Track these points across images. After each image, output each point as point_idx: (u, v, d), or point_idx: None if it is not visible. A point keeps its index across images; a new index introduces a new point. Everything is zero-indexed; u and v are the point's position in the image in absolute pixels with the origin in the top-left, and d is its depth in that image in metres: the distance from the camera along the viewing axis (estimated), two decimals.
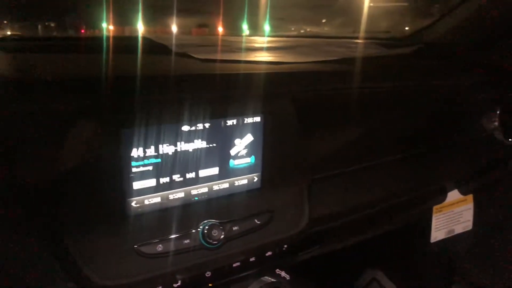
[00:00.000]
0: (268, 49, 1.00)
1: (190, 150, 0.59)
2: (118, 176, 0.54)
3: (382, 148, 0.86)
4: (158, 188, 0.58)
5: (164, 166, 0.58)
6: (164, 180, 0.58)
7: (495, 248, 1.29)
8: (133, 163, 0.55)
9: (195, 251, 0.58)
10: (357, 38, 1.33)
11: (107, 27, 0.88)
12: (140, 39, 0.88)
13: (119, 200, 0.55)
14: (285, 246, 0.71)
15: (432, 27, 1.12)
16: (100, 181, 0.53)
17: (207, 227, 0.59)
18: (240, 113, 0.61)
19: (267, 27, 1.35)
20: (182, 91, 0.58)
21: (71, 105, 0.50)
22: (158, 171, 0.57)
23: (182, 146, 0.58)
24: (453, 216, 1.08)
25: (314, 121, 0.71)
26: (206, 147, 0.60)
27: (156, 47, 0.83)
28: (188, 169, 0.60)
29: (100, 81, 0.53)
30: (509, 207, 1.27)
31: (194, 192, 0.61)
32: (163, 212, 0.59)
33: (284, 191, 0.68)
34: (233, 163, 0.63)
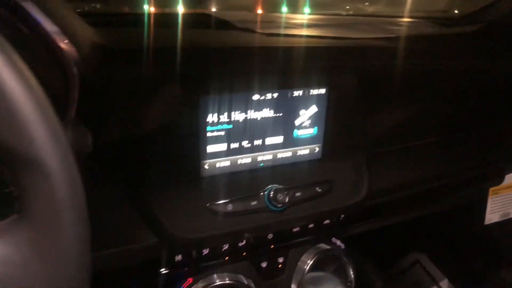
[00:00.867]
0: (326, 25, 1.01)
1: (259, 118, 0.62)
2: (195, 139, 0.59)
3: (441, 126, 0.86)
4: (228, 152, 0.62)
5: (235, 132, 0.62)
6: (234, 145, 0.62)
7: None
8: (208, 128, 0.59)
9: (261, 213, 0.62)
10: (414, 17, 1.30)
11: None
12: (205, 16, 0.92)
13: (194, 162, 0.60)
14: (342, 216, 0.74)
15: (496, 5, 1.08)
16: (178, 143, 0.58)
17: (272, 191, 0.62)
18: (306, 85, 0.64)
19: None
20: (253, 63, 0.61)
21: (157, 71, 0.54)
22: (229, 137, 0.61)
23: (252, 114, 0.62)
24: (509, 199, 1.06)
25: (376, 96, 0.72)
26: (273, 116, 0.63)
27: (220, 22, 0.86)
28: (256, 136, 0.64)
29: (181, 51, 0.57)
30: None
31: (260, 158, 0.65)
32: (231, 176, 0.63)
33: (344, 163, 0.71)
34: (297, 133, 0.66)
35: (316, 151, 0.69)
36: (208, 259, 0.65)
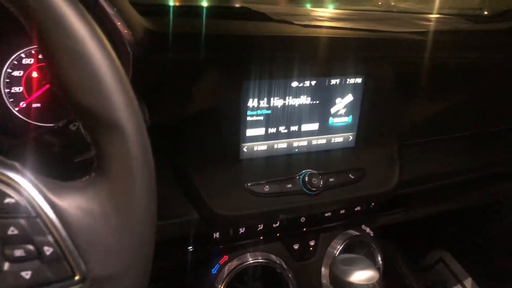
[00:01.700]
0: (358, 20, 1.02)
1: (296, 105, 0.65)
2: (235, 123, 0.62)
3: (472, 120, 0.86)
4: (265, 137, 0.65)
5: (273, 117, 0.64)
6: (271, 130, 0.65)
7: None
8: (248, 112, 0.62)
9: (295, 195, 0.64)
10: (445, 14, 1.30)
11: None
12: (242, 8, 0.94)
13: (234, 144, 0.63)
14: (373, 203, 0.76)
15: None
16: (220, 126, 0.61)
17: (307, 175, 0.65)
18: (343, 74, 0.66)
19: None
20: (293, 51, 0.63)
21: (204, 57, 0.57)
22: (267, 122, 0.64)
23: (290, 101, 0.64)
24: None
25: (410, 88, 0.74)
26: (310, 104, 0.66)
27: (257, 15, 0.89)
28: (292, 122, 0.66)
29: (226, 39, 0.60)
30: None
31: (295, 144, 0.68)
32: (268, 159, 0.66)
33: (376, 152, 0.72)
34: (332, 120, 0.69)
35: (349, 139, 0.71)
36: (244, 238, 0.68)
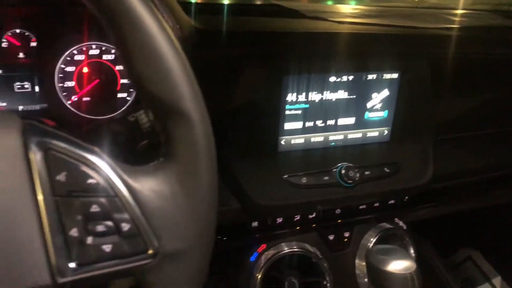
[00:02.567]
0: (390, 16, 1.03)
1: (333, 99, 0.67)
2: (274, 116, 0.64)
3: (507, 117, 0.86)
4: (303, 130, 0.67)
5: (311, 111, 0.66)
6: (309, 124, 0.67)
7: None
8: (287, 106, 0.64)
9: (332, 188, 0.66)
10: (477, 10, 1.29)
11: None
12: (275, 6, 0.96)
13: (273, 137, 0.65)
14: (407, 197, 0.77)
15: None
16: (260, 119, 0.63)
17: (344, 168, 0.67)
18: (379, 69, 0.67)
19: None
20: (332, 47, 0.65)
21: (246, 52, 0.60)
22: (305, 116, 0.66)
23: (327, 95, 0.66)
24: None
25: (446, 83, 0.74)
26: (347, 98, 0.67)
27: (290, 11, 0.91)
28: (329, 116, 0.68)
29: (267, 36, 0.62)
30: None
31: (331, 138, 0.69)
32: (305, 152, 0.68)
33: (411, 146, 0.73)
34: (368, 115, 0.70)
35: (385, 133, 0.72)
36: (281, 228, 0.70)
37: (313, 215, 0.71)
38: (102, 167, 0.31)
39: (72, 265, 0.29)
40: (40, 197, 0.29)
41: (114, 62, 0.69)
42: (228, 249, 0.69)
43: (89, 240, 0.30)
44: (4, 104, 0.65)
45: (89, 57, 0.68)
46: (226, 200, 0.63)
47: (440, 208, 0.86)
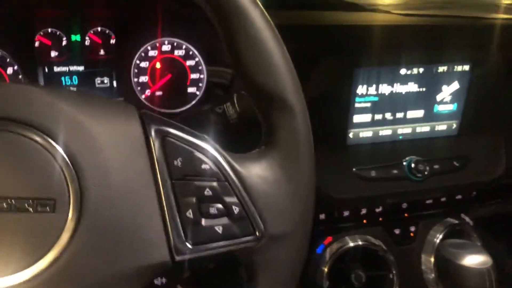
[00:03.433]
0: (454, 7, 1.00)
1: (403, 92, 0.66)
2: (344, 109, 0.64)
3: None
4: (371, 123, 0.67)
5: (380, 104, 0.66)
6: (377, 117, 0.67)
7: None
8: (357, 99, 0.64)
9: (401, 181, 0.66)
10: None
11: None
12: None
13: (342, 129, 0.65)
14: (474, 192, 0.75)
15: None
16: (330, 112, 0.64)
17: (413, 162, 0.66)
18: (451, 61, 0.66)
19: None
20: (402, 39, 0.65)
21: (317, 46, 0.61)
22: (374, 109, 0.66)
23: (397, 88, 0.66)
24: None
25: None
26: (417, 91, 0.67)
27: (349, 5, 0.91)
28: (398, 109, 0.67)
29: (338, 29, 0.63)
30: None
31: (399, 131, 0.69)
32: (373, 145, 0.68)
33: (480, 140, 0.72)
34: (437, 108, 0.69)
35: (453, 127, 0.71)
36: (347, 221, 0.71)
37: (379, 209, 0.71)
38: (213, 153, 0.33)
39: (188, 244, 0.31)
40: (159, 180, 0.31)
41: (185, 57, 0.72)
42: None
43: (203, 221, 0.32)
44: None
45: (162, 52, 0.71)
46: None
47: (508, 205, 0.83)
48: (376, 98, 0.65)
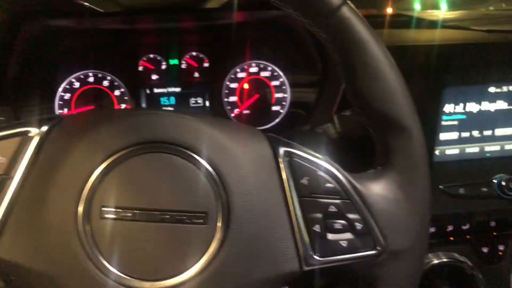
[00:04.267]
0: None
1: (492, 110, 0.66)
2: (430, 127, 0.65)
3: None
4: (458, 141, 0.67)
5: (467, 122, 0.66)
6: (464, 134, 0.67)
7: None
8: (444, 117, 0.65)
9: (491, 199, 0.65)
10: None
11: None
12: (406, 16, 0.97)
13: (427, 147, 0.66)
14: None
15: None
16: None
17: (504, 179, 0.65)
18: None
19: None
20: (491, 56, 0.65)
21: (407, 66, 0.62)
22: (461, 126, 0.66)
23: (486, 105, 0.66)
24: None
25: None
26: (506, 109, 0.66)
27: (420, 21, 0.91)
28: (486, 127, 0.67)
29: (425, 48, 0.64)
30: None
31: (487, 148, 0.68)
32: (460, 162, 0.68)
33: None
34: None
35: None
36: (434, 237, 0.71)
37: (466, 227, 0.71)
38: (335, 173, 0.36)
39: (316, 256, 0.34)
40: (288, 197, 0.35)
41: (270, 78, 0.76)
42: None
43: (329, 236, 0.35)
44: None
45: (250, 74, 0.76)
46: None
47: None
48: (463, 116, 0.66)
